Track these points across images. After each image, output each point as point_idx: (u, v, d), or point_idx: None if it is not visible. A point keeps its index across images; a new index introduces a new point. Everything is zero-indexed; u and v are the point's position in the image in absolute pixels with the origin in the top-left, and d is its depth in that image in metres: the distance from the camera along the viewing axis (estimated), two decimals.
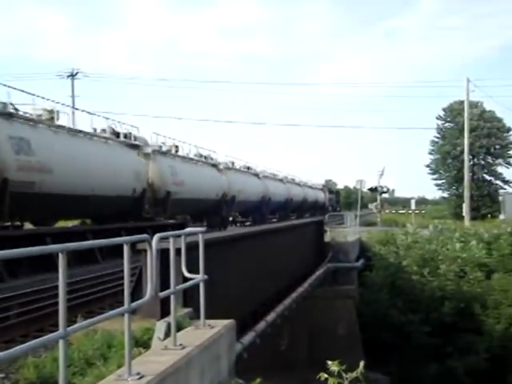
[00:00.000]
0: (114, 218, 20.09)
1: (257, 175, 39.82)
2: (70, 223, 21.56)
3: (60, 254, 3.69)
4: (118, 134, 21.76)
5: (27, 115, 16.39)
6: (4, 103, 15.58)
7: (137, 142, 22.96)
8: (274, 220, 40.02)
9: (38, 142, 15.88)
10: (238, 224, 34.67)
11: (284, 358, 18.25)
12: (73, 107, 23.65)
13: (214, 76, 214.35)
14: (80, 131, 19.15)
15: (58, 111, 17.79)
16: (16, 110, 15.96)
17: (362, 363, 4.96)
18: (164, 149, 25.77)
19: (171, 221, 23.87)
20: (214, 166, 31.93)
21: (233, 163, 35.95)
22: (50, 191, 15.92)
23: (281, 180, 47.34)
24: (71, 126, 18.54)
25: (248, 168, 38.93)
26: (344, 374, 4.88)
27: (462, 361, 22.55)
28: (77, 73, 46.91)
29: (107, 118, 21.46)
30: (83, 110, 20.63)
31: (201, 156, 30.60)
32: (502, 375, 22.64)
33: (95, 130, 20.41)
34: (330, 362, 4.90)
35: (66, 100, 42.35)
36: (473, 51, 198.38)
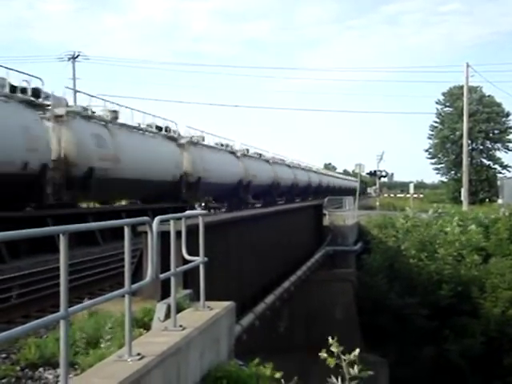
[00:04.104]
0: (157, 200, 23.50)
1: (267, 161, 42.33)
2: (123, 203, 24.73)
3: (61, 236, 3.70)
4: (160, 128, 25.88)
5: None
6: (84, 107, 19.78)
7: (175, 135, 26.90)
8: (281, 202, 40.75)
9: (110, 137, 20.11)
10: (250, 206, 35.36)
11: (282, 340, 18.38)
12: (74, 89, 25.21)
13: (214, 61, 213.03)
14: (135, 127, 23.42)
15: (118, 111, 21.93)
16: (93, 112, 20.29)
17: (357, 350, 5.06)
18: (194, 139, 29.00)
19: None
20: (233, 153, 35.04)
21: (247, 150, 38.36)
22: (117, 176, 19.72)
23: (288, 165, 49.13)
24: (131, 124, 22.98)
25: (260, 155, 41.44)
26: (342, 356, 4.95)
27: (459, 343, 22.71)
28: (78, 55, 46.69)
29: (154, 116, 25.53)
30: (85, 93, 22.01)
31: (221, 145, 34.05)
32: (497, 358, 22.81)
33: (139, 124, 24.10)
34: (330, 340, 4.96)
35: (67, 82, 42.72)
36: (473, 36, 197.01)
